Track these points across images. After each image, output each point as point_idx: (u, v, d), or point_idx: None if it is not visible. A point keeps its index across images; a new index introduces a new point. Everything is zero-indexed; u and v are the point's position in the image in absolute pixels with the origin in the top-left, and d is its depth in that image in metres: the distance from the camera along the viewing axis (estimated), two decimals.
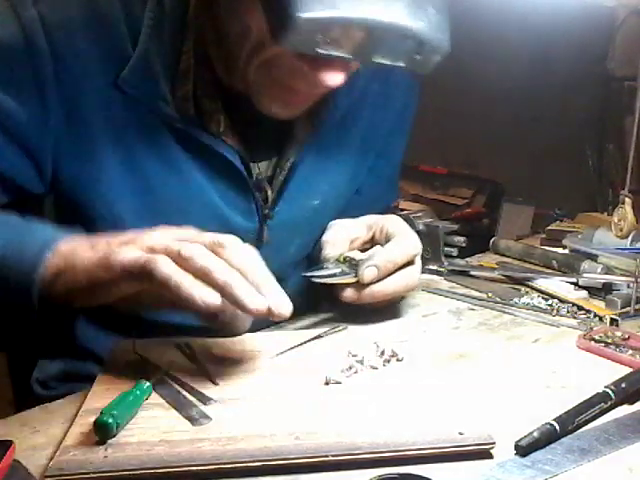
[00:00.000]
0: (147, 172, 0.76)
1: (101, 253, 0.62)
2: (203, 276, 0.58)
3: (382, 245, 0.84)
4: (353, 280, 0.79)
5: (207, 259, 0.59)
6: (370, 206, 1.05)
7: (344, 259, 0.82)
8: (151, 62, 0.72)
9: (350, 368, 0.66)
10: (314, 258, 0.88)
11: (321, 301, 0.89)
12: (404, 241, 0.82)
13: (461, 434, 0.53)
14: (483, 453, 0.53)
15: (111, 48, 0.72)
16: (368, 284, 0.79)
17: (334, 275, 0.79)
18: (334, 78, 0.69)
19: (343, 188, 0.95)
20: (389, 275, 0.80)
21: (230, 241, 0.62)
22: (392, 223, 0.86)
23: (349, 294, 0.80)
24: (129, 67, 0.72)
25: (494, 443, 0.53)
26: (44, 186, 0.76)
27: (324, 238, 0.87)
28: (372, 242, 0.88)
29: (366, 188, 1.01)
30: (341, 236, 0.87)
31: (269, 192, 0.84)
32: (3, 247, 0.64)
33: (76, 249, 0.64)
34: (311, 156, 0.86)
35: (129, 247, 0.61)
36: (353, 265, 0.80)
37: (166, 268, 0.58)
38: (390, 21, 0.63)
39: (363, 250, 0.86)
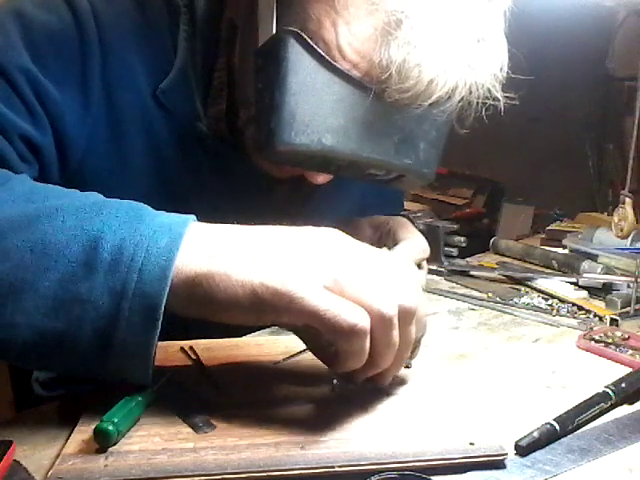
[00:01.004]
0: (177, 187, 0.74)
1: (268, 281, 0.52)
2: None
3: (389, 247, 0.84)
4: None
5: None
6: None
7: None
8: (188, 77, 0.71)
9: None
10: None
11: None
12: (413, 244, 0.80)
13: (472, 444, 0.53)
14: (494, 463, 0.52)
15: (156, 56, 0.71)
16: None
17: None
18: (321, 179, 0.71)
19: (349, 207, 0.93)
20: None
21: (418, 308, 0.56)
22: (399, 225, 0.85)
23: None
24: (168, 79, 0.71)
25: (506, 454, 0.52)
26: (60, 177, 0.72)
27: None
28: (379, 244, 0.87)
29: (371, 207, 0.99)
30: None
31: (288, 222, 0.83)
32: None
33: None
34: (331, 184, 0.84)
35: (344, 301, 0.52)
36: None
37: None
38: (375, 158, 0.64)
39: None
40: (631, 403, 0.63)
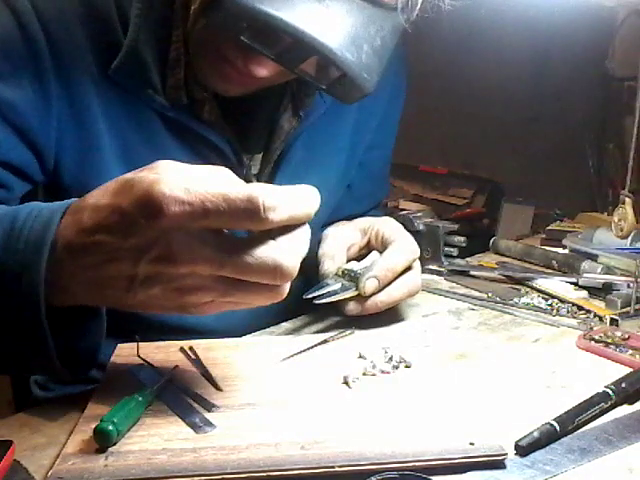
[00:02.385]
0: (141, 162, 0.75)
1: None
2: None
3: (379, 250, 0.84)
4: (355, 294, 0.79)
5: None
6: (361, 202, 1.05)
7: (343, 272, 0.81)
8: (140, 52, 0.72)
9: (364, 374, 0.66)
10: (312, 273, 0.85)
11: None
12: (402, 247, 0.82)
13: (472, 444, 0.53)
14: (494, 463, 0.52)
15: (104, 39, 0.72)
16: (370, 296, 0.79)
17: (336, 292, 0.78)
18: (259, 71, 0.69)
19: (335, 183, 0.94)
20: (390, 283, 0.80)
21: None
22: (387, 227, 0.86)
23: (353, 307, 0.80)
24: (119, 58, 0.72)
25: (506, 454, 0.52)
26: (45, 176, 0.75)
27: (321, 252, 0.86)
28: (368, 247, 0.88)
29: (357, 183, 1.01)
30: (337, 247, 0.86)
31: (261, 181, 0.83)
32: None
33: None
34: (300, 151, 0.85)
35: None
36: (353, 278, 0.79)
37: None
38: (318, 41, 0.63)
39: (360, 256, 0.86)
40: (631, 403, 0.63)
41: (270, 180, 0.84)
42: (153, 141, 0.76)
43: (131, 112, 0.75)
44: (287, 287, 0.55)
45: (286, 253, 0.53)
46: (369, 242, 0.87)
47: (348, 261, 0.85)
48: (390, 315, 0.84)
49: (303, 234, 0.55)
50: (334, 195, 0.95)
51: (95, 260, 0.53)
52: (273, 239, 0.53)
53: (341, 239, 0.88)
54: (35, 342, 0.54)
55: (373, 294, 0.79)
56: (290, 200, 0.53)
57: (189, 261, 0.50)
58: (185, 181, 0.50)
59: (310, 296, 0.77)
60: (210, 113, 0.76)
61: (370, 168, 1.02)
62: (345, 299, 0.79)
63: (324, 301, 0.78)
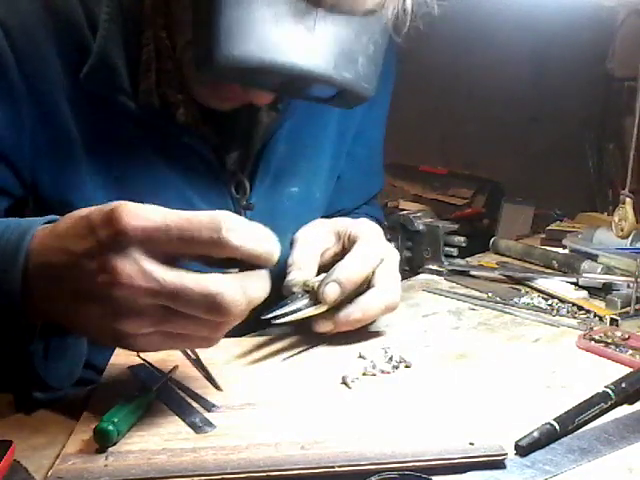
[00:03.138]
0: (117, 170, 0.75)
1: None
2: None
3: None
4: (322, 310, 0.70)
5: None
6: (352, 195, 1.02)
7: (309, 287, 0.71)
8: (110, 57, 0.71)
9: (364, 374, 0.66)
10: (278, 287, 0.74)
11: None
12: (363, 249, 0.75)
13: (472, 444, 0.53)
14: (494, 463, 0.52)
15: (73, 46, 0.71)
16: (338, 308, 0.71)
17: (298, 310, 0.69)
18: (261, 99, 0.71)
19: (325, 174, 0.92)
20: (362, 292, 0.73)
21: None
22: (358, 229, 0.79)
23: (322, 326, 0.72)
24: (88, 64, 0.70)
25: (506, 454, 0.52)
26: (25, 190, 0.73)
27: (290, 260, 0.77)
28: (343, 253, 0.78)
29: (346, 174, 0.99)
30: (308, 255, 0.78)
31: (246, 182, 0.82)
32: None
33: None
34: (282, 145, 0.84)
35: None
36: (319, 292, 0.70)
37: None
38: (315, 71, 0.64)
39: (335, 263, 0.75)
40: (631, 403, 0.63)
41: (252, 176, 0.82)
42: (128, 147, 0.75)
43: (105, 118, 0.73)
44: (224, 330, 0.53)
45: (230, 288, 0.51)
46: (344, 248, 0.79)
47: (322, 268, 0.77)
48: (390, 315, 0.84)
49: (259, 279, 0.53)
50: (325, 189, 0.93)
51: (56, 271, 0.53)
52: (222, 273, 0.52)
53: (313, 244, 0.80)
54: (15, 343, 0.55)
55: (340, 304, 0.71)
56: (253, 231, 0.52)
57: (128, 281, 0.50)
58: (151, 206, 0.51)
59: (269, 316, 0.67)
60: (185, 115, 0.75)
61: (359, 158, 0.99)
62: (314, 317, 0.71)
63: (285, 320, 0.68)
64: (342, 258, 0.74)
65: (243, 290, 0.52)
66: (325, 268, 0.75)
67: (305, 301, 0.70)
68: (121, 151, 0.75)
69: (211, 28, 0.61)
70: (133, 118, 0.74)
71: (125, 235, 0.50)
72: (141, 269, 0.50)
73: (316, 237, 0.81)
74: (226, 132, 0.80)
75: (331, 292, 0.69)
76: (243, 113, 0.78)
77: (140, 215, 0.50)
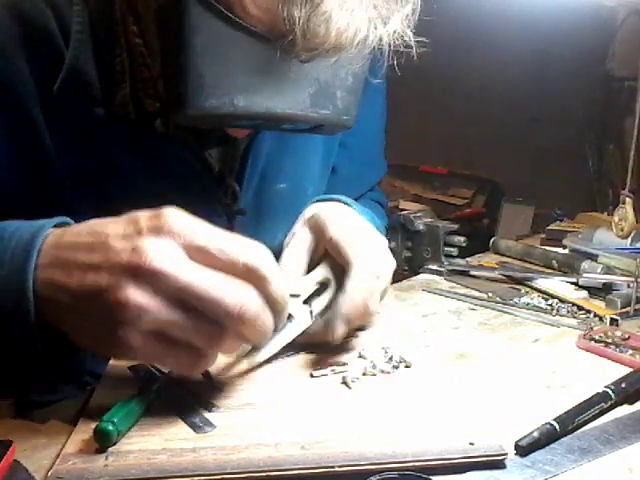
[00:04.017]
0: (101, 185, 0.73)
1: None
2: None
3: (333, 263, 0.73)
4: (297, 334, 0.67)
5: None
6: (349, 186, 0.97)
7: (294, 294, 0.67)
8: (83, 69, 0.68)
9: (364, 374, 0.66)
10: None
11: None
12: (362, 276, 0.70)
13: (472, 444, 0.53)
14: (494, 463, 0.52)
15: (46, 57, 0.69)
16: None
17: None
18: (237, 133, 0.72)
19: (317, 168, 0.91)
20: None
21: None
22: (342, 234, 0.73)
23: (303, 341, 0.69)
24: (61, 77, 0.68)
25: (506, 454, 0.52)
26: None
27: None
28: (317, 252, 0.76)
29: (341, 166, 0.97)
30: (296, 265, 0.74)
31: (235, 186, 0.79)
32: None
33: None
34: (269, 142, 0.81)
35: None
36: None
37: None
38: (289, 113, 0.64)
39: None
40: (631, 403, 0.63)
41: (239, 176, 0.80)
42: (108, 158, 0.73)
43: (81, 130, 0.71)
44: (220, 346, 0.54)
45: (255, 301, 0.53)
46: (317, 245, 0.75)
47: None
48: (390, 315, 0.84)
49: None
50: (319, 183, 0.92)
51: (73, 253, 0.54)
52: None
53: (300, 253, 0.76)
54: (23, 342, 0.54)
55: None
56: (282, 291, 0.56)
57: (157, 263, 0.51)
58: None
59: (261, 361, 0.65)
60: (164, 124, 0.71)
61: (352, 149, 0.97)
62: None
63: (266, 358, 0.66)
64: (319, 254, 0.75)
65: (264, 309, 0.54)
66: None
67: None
68: (101, 161, 0.73)
69: (181, 78, 0.59)
70: (110, 129, 0.71)
71: (168, 226, 0.52)
72: (173, 256, 0.51)
73: (300, 242, 0.77)
74: (207, 137, 0.77)
75: (341, 331, 0.68)
76: None
77: (189, 217, 0.53)
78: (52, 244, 0.55)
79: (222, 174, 0.79)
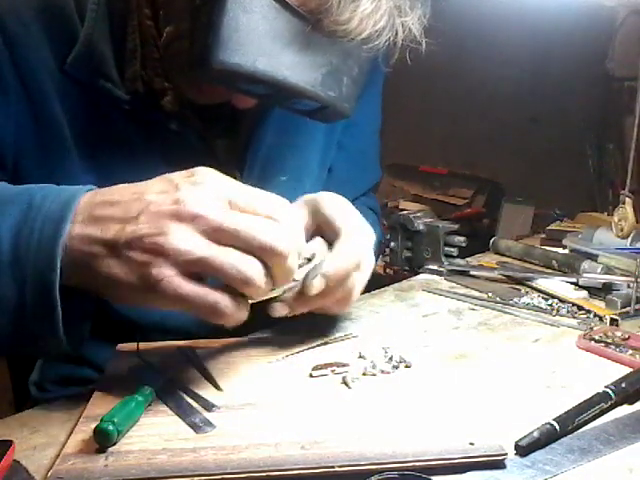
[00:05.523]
0: (104, 158, 0.75)
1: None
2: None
3: (326, 236, 0.74)
4: (279, 293, 0.68)
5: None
6: (344, 188, 0.95)
7: None
8: (96, 45, 0.71)
9: (364, 374, 0.66)
10: None
11: None
12: (350, 245, 0.71)
13: (472, 444, 0.53)
14: (494, 463, 0.52)
15: (61, 32, 0.71)
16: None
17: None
18: (242, 102, 0.73)
19: (315, 164, 0.92)
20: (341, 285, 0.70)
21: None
22: (344, 219, 0.74)
23: (278, 309, 0.69)
24: (75, 51, 0.71)
25: (506, 454, 0.52)
26: (5, 174, 0.73)
27: None
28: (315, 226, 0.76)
29: (337, 166, 0.98)
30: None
31: (237, 173, 0.81)
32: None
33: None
34: (270, 134, 0.84)
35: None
36: None
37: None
38: (303, 87, 0.67)
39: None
40: (631, 403, 0.63)
41: (241, 165, 0.82)
42: (115, 133, 0.75)
43: (91, 105, 0.74)
44: (244, 303, 0.57)
45: (285, 240, 0.58)
46: (311, 221, 0.76)
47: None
48: (390, 315, 0.84)
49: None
50: (316, 180, 0.92)
51: (108, 209, 0.57)
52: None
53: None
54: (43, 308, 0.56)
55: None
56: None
57: (193, 208, 0.55)
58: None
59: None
60: (172, 103, 0.74)
61: (349, 150, 0.98)
62: (271, 300, 0.69)
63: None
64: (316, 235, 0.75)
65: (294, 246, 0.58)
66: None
67: None
68: (109, 141, 0.75)
69: (211, 32, 0.62)
70: (120, 106, 0.74)
71: (202, 180, 0.57)
72: (209, 202, 0.56)
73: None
74: (212, 121, 0.79)
75: (318, 285, 0.68)
76: (231, 105, 0.77)
77: (220, 174, 0.59)
78: (87, 202, 0.58)
79: (225, 162, 0.80)
